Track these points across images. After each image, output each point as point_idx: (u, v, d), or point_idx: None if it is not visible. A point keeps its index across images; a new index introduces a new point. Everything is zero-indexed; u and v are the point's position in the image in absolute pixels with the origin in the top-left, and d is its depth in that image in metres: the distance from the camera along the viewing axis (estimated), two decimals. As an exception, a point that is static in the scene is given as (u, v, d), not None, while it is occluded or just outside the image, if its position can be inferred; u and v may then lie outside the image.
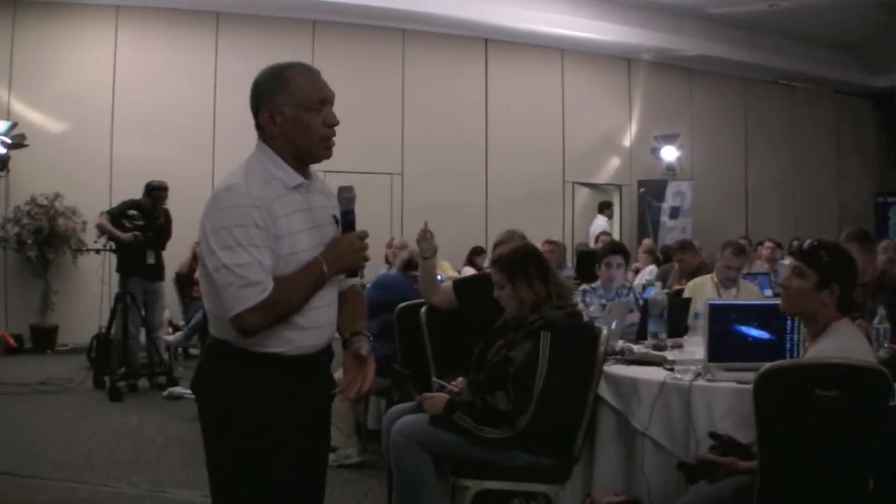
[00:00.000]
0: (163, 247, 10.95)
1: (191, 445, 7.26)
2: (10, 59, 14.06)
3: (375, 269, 10.50)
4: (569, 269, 10.75)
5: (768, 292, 9.75)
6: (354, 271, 3.31)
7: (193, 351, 12.32)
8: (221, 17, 15.34)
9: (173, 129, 14.68)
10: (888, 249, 7.96)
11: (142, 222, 10.53)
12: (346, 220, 3.21)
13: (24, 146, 13.34)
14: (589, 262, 9.03)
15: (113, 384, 10.06)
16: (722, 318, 5.04)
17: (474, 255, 14.02)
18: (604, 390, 4.96)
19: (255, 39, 14.99)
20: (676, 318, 6.62)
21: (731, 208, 20.19)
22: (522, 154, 17.45)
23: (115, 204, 11.06)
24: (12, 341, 13.47)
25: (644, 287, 9.12)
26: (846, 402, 3.50)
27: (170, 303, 12.20)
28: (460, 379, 5.21)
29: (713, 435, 4.10)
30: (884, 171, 23.04)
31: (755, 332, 4.99)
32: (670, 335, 6.22)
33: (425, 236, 6.32)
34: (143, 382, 10.79)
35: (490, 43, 17.55)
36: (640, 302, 7.28)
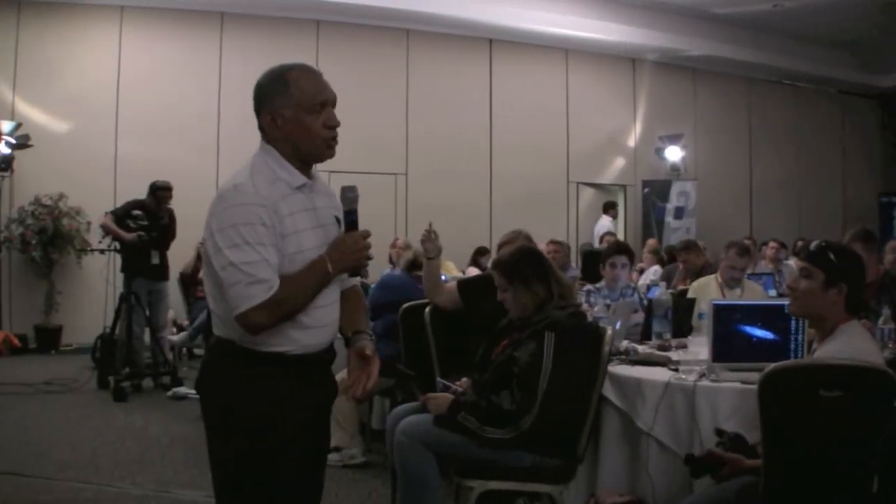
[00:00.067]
0: (167, 247, 10.94)
1: (195, 445, 7.26)
2: (14, 59, 14.08)
3: (379, 269, 10.50)
4: (573, 270, 10.73)
5: (772, 292, 9.76)
6: (357, 270, 3.30)
7: (198, 351, 12.35)
8: (226, 18, 15.35)
9: (177, 129, 14.69)
10: (895, 250, 7.95)
11: (146, 222, 10.52)
12: (349, 219, 3.22)
13: (28, 146, 13.37)
14: (593, 263, 9.02)
15: (117, 384, 10.06)
16: (726, 318, 5.03)
17: (478, 256, 14.03)
18: (608, 390, 4.96)
19: (260, 39, 15.01)
20: (681, 318, 6.61)
21: (736, 208, 20.18)
22: (526, 154, 17.45)
23: (119, 204, 11.08)
24: (17, 341, 13.48)
25: (648, 287, 9.11)
26: (850, 403, 3.50)
27: (174, 303, 12.22)
28: (464, 379, 5.21)
29: (718, 431, 4.09)
30: (888, 171, 23.02)
31: (759, 333, 4.98)
32: (675, 335, 6.22)
33: (429, 237, 6.33)
34: (147, 382, 10.79)
35: (494, 43, 17.55)
36: (645, 302, 7.27)
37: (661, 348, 5.82)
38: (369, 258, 3.24)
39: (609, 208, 18.05)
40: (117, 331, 10.59)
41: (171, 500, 6.40)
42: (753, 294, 7.88)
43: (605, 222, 17.57)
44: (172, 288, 11.79)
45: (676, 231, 17.96)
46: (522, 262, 5.03)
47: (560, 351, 4.56)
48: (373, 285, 8.16)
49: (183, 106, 14.82)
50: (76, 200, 13.82)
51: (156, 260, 10.72)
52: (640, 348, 5.83)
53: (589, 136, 18.55)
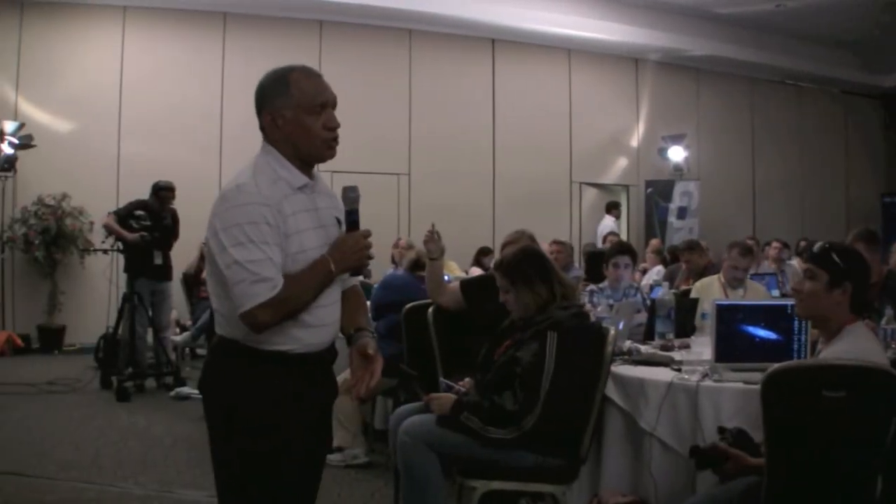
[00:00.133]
0: (170, 247, 10.95)
1: (198, 446, 7.27)
2: (17, 60, 14.09)
3: (382, 269, 10.50)
4: (576, 270, 10.72)
5: (775, 293, 9.75)
6: (359, 270, 3.32)
7: (201, 351, 12.36)
8: (228, 18, 15.36)
9: (180, 129, 14.71)
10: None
11: (149, 222, 10.52)
12: (351, 219, 3.24)
13: (31, 146, 13.40)
14: (597, 263, 9.03)
15: (120, 384, 10.06)
16: (729, 318, 5.03)
17: (481, 256, 14.02)
18: (611, 391, 4.96)
19: (262, 40, 15.02)
20: (684, 318, 6.61)
21: (739, 208, 20.17)
22: (529, 154, 17.47)
23: (122, 204, 11.07)
24: (20, 341, 13.50)
25: (651, 287, 9.11)
26: (854, 403, 3.50)
27: (177, 303, 12.22)
28: (467, 379, 5.21)
29: (721, 429, 4.09)
30: (891, 171, 23.02)
31: (762, 333, 4.98)
32: (677, 335, 6.22)
33: (432, 237, 6.33)
34: (150, 383, 10.80)
35: (497, 43, 17.56)
36: (648, 302, 7.27)
37: (664, 348, 5.83)
38: (370, 258, 3.27)
39: (612, 208, 18.06)
40: (120, 331, 10.60)
41: (174, 500, 6.40)
42: (756, 294, 7.88)
43: (608, 222, 17.58)
44: (175, 288, 11.79)
45: (679, 231, 17.96)
46: (525, 262, 5.02)
47: (563, 351, 4.56)
48: (376, 285, 8.17)
49: (186, 106, 14.84)
50: (79, 200, 13.84)
51: (159, 260, 10.73)
52: (643, 348, 5.83)
53: (592, 136, 18.56)
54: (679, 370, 4.94)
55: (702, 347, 5.53)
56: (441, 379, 5.56)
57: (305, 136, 3.16)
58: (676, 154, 18.68)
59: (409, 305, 6.77)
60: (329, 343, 3.31)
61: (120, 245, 10.60)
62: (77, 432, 8.41)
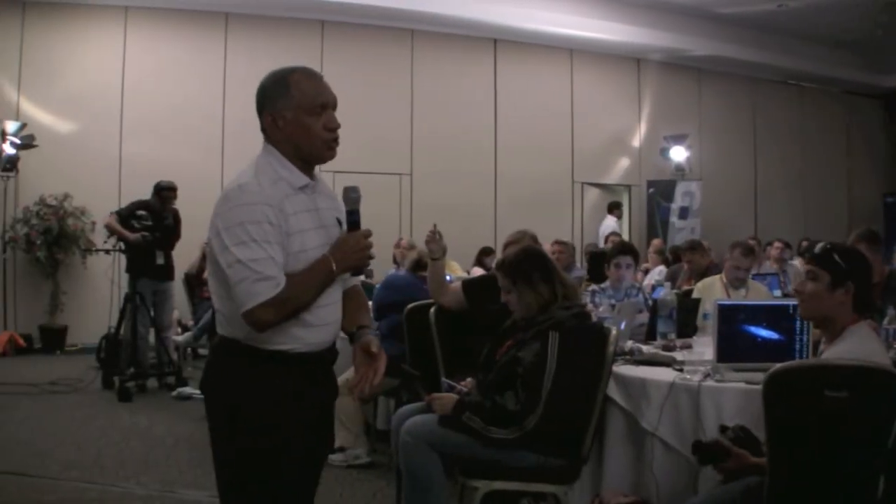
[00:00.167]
0: (171, 247, 10.96)
1: (200, 445, 7.27)
2: (19, 60, 14.10)
3: (383, 269, 10.50)
4: (578, 270, 10.73)
5: (777, 293, 9.76)
6: (360, 270, 3.35)
7: (202, 351, 12.36)
8: (230, 18, 15.36)
9: (182, 129, 14.71)
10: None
11: (150, 223, 10.53)
12: (352, 219, 3.26)
13: (33, 146, 13.41)
14: (599, 263, 9.03)
15: (122, 384, 10.07)
16: (731, 318, 5.03)
17: (483, 256, 14.01)
18: (613, 391, 4.95)
19: (264, 40, 15.04)
20: (685, 318, 6.61)
21: (740, 208, 20.17)
22: (531, 154, 17.47)
23: (124, 204, 11.08)
24: (21, 341, 13.51)
25: (653, 287, 9.11)
26: (855, 403, 3.49)
27: (179, 303, 12.23)
28: (469, 379, 5.21)
29: (722, 427, 4.09)
30: (893, 171, 23.00)
31: (764, 333, 4.98)
32: (679, 335, 6.22)
33: (434, 238, 6.33)
34: (152, 383, 10.81)
35: (499, 43, 17.56)
36: (650, 302, 7.28)
37: (666, 348, 5.82)
38: (371, 257, 3.29)
39: (614, 208, 18.07)
40: (122, 331, 10.60)
41: (176, 500, 6.40)
42: (758, 294, 7.88)
43: (609, 222, 17.58)
44: (177, 288, 11.79)
45: (681, 231, 17.95)
46: (526, 262, 5.02)
47: (564, 351, 4.57)
48: (377, 285, 8.17)
49: (187, 106, 14.84)
50: (81, 200, 13.84)
51: (160, 260, 10.74)
52: (645, 348, 5.83)
53: (593, 137, 18.55)
54: (681, 370, 4.94)
55: (703, 347, 5.54)
56: (443, 379, 5.56)
57: (306, 136, 3.18)
58: (678, 154, 18.68)
59: (410, 305, 6.77)
60: (330, 343, 3.33)
61: (122, 245, 10.60)
62: (79, 432, 8.41)
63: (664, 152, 18.81)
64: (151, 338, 10.84)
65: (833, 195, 21.75)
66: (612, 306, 6.72)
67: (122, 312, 10.59)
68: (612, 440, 5.03)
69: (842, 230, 17.97)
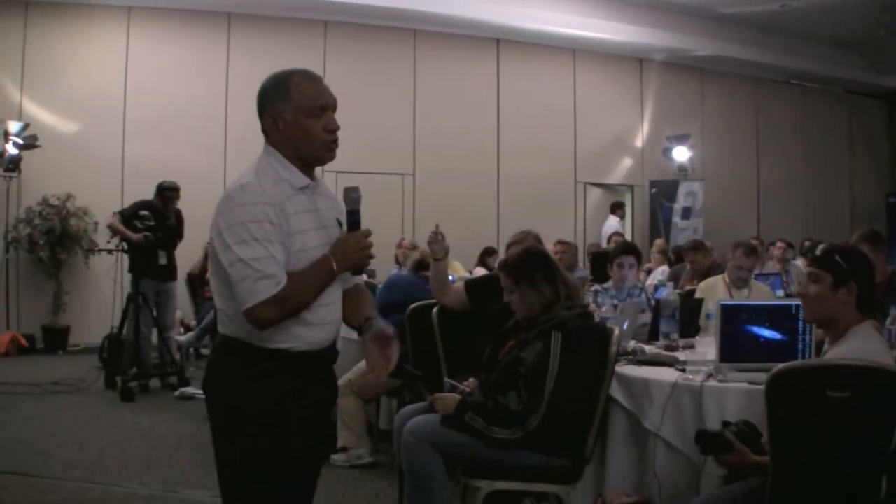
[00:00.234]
0: (174, 247, 10.96)
1: (202, 445, 7.27)
2: (21, 60, 14.11)
3: (386, 269, 10.50)
4: (581, 270, 10.72)
5: (780, 293, 9.75)
6: (360, 269, 3.38)
7: (205, 351, 12.33)
8: (233, 18, 15.37)
9: (185, 129, 14.72)
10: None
11: (153, 223, 10.54)
12: (352, 219, 3.29)
13: (35, 147, 13.41)
14: (601, 264, 9.02)
15: (124, 384, 10.08)
16: (733, 318, 5.03)
17: (486, 256, 14.01)
18: (615, 391, 4.95)
19: (267, 40, 15.05)
20: (688, 318, 6.61)
21: (743, 208, 20.16)
22: (534, 154, 17.47)
23: (126, 204, 11.08)
24: (24, 341, 13.52)
25: (656, 287, 9.10)
26: (858, 404, 3.49)
27: (182, 303, 12.23)
28: (472, 379, 5.21)
29: (725, 423, 4.09)
30: (896, 171, 23.03)
31: (767, 333, 4.98)
32: (682, 336, 6.21)
33: (436, 238, 6.32)
34: (154, 383, 10.82)
35: (501, 43, 17.56)
36: (652, 302, 7.27)
37: (669, 348, 5.82)
38: (371, 257, 3.32)
39: (616, 208, 18.04)
40: (125, 331, 10.61)
41: (179, 500, 6.41)
42: (761, 294, 7.88)
43: (612, 222, 17.56)
44: (180, 288, 11.80)
45: (684, 231, 17.95)
46: (529, 262, 5.02)
47: (567, 351, 4.56)
48: (380, 286, 8.17)
49: (190, 106, 14.85)
50: (83, 201, 13.85)
51: (163, 260, 10.74)
52: (648, 348, 5.83)
53: (596, 136, 18.55)
54: (683, 370, 4.93)
55: (706, 347, 5.54)
56: (445, 379, 5.56)
57: (306, 138, 3.21)
58: (681, 154, 18.67)
59: (413, 306, 6.77)
60: (330, 342, 3.36)
61: (125, 245, 10.61)
62: (81, 432, 8.42)
63: (667, 152, 18.80)
64: (154, 338, 10.85)
65: (836, 195, 21.73)
66: (615, 306, 6.72)
67: (125, 312, 10.60)
68: (614, 440, 5.03)
69: (844, 230, 17.97)
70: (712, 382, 4.65)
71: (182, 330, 12.63)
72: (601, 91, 18.71)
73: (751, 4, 17.30)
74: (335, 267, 3.18)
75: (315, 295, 3.17)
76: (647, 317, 6.83)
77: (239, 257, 3.03)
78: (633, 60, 19.10)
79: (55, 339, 13.89)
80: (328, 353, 3.38)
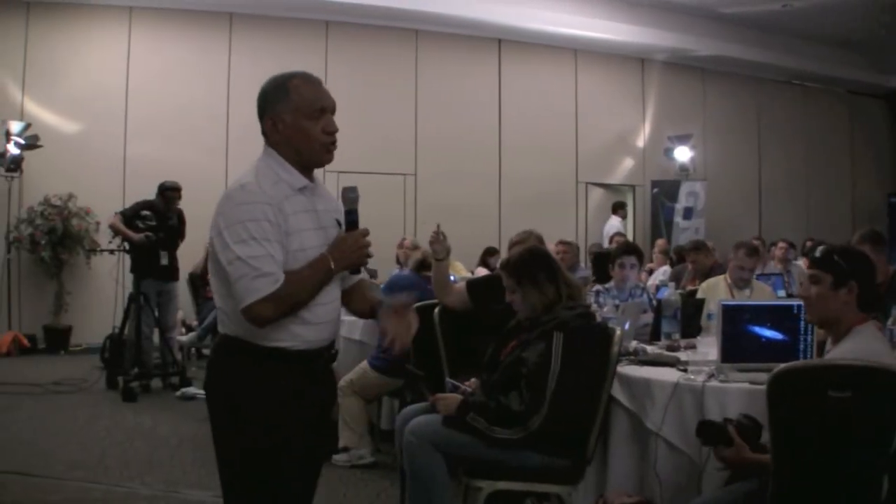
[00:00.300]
0: (176, 247, 10.96)
1: (204, 445, 7.24)
2: (23, 60, 14.12)
3: (388, 269, 10.50)
4: (583, 270, 10.71)
5: (782, 293, 9.75)
6: (357, 268, 3.42)
7: (207, 351, 12.34)
8: (235, 18, 15.38)
9: (186, 129, 14.72)
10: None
11: (154, 223, 10.55)
12: (350, 219, 3.33)
13: (37, 147, 13.41)
14: (603, 264, 9.02)
15: (126, 384, 10.08)
16: (735, 318, 5.03)
17: (487, 256, 14.02)
18: (617, 391, 4.95)
19: (269, 40, 15.06)
20: (690, 318, 6.60)
21: (745, 209, 20.14)
22: (535, 154, 17.47)
23: (128, 204, 11.09)
24: (26, 341, 13.53)
25: (657, 287, 9.10)
26: (859, 404, 3.49)
27: (183, 303, 12.25)
28: (473, 379, 5.21)
29: (726, 420, 4.08)
30: (898, 171, 23.01)
31: (768, 333, 4.98)
32: (683, 336, 6.21)
33: (438, 238, 6.31)
34: (156, 383, 10.83)
35: (503, 43, 17.56)
36: (654, 302, 7.27)
37: (670, 349, 5.82)
38: (369, 256, 3.35)
39: (618, 209, 18.04)
40: (126, 331, 10.61)
41: (180, 500, 6.41)
42: (762, 294, 7.89)
43: (614, 223, 17.55)
44: (182, 288, 11.82)
45: (685, 231, 17.94)
46: (531, 262, 5.02)
47: (569, 351, 4.56)
48: (382, 286, 8.16)
49: (192, 106, 14.86)
50: (85, 201, 13.86)
51: (165, 261, 10.75)
52: (649, 349, 5.83)
53: (598, 137, 18.55)
54: (685, 370, 4.93)
55: (708, 348, 5.52)
56: (447, 379, 5.55)
57: (305, 139, 3.25)
58: (682, 154, 18.66)
59: (415, 306, 6.75)
60: (328, 340, 3.40)
61: (126, 245, 10.61)
62: (83, 432, 8.42)
63: (668, 152, 18.80)
64: (156, 338, 10.85)
65: (837, 195, 21.71)
66: (617, 306, 6.71)
67: (127, 312, 10.61)
68: (616, 440, 5.02)
69: (846, 230, 17.94)
70: (714, 382, 4.65)
71: (184, 330, 12.65)
72: (603, 91, 18.70)
73: (752, 4, 17.29)
74: (333, 266, 3.22)
75: (313, 293, 3.21)
76: (648, 317, 6.84)
77: (237, 255, 3.07)
78: (635, 60, 19.10)
79: (57, 340, 13.90)
80: (327, 353, 3.41)
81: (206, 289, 11.97)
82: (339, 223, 3.36)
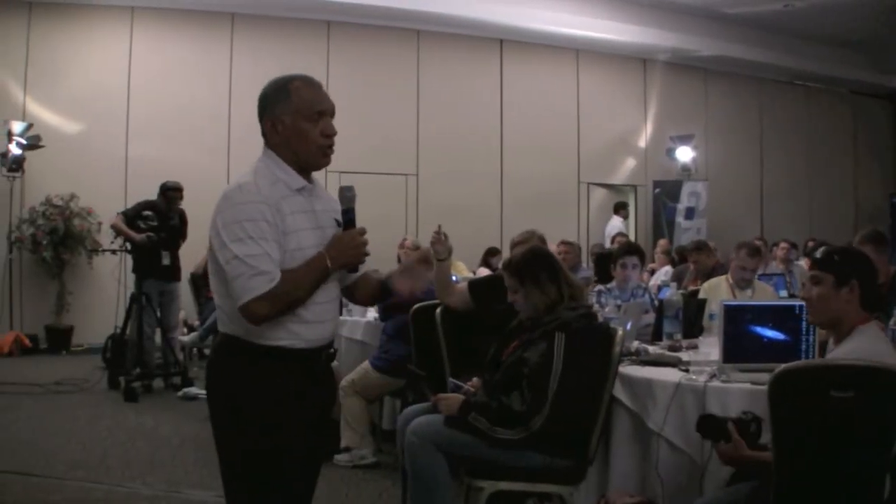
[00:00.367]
0: (177, 247, 10.96)
1: (205, 446, 7.25)
2: (25, 60, 14.13)
3: (388, 269, 10.50)
4: (584, 270, 10.70)
5: (783, 293, 9.75)
6: (355, 266, 3.44)
7: (208, 351, 12.35)
8: (236, 18, 15.38)
9: (188, 129, 14.73)
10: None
11: (156, 223, 10.55)
12: (347, 217, 3.37)
13: (39, 147, 13.43)
14: (605, 264, 9.02)
15: (128, 384, 10.08)
16: (737, 318, 5.02)
17: (489, 256, 14.03)
18: (619, 391, 4.94)
19: (270, 40, 15.08)
20: (691, 318, 6.59)
21: (747, 209, 20.15)
22: (537, 155, 17.48)
23: (130, 205, 11.10)
24: (27, 342, 13.53)
25: (659, 288, 9.10)
26: (861, 403, 3.48)
27: (185, 303, 12.25)
28: (475, 379, 5.20)
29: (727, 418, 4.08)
30: (900, 171, 23.01)
31: (770, 333, 4.98)
32: (685, 336, 6.20)
33: (439, 238, 6.31)
34: (158, 383, 10.83)
35: (505, 43, 17.57)
36: (656, 303, 7.26)
37: (672, 349, 5.81)
38: (367, 254, 3.38)
39: (620, 209, 18.06)
40: (128, 331, 10.62)
41: (182, 500, 6.41)
42: (764, 295, 7.88)
43: (616, 223, 17.57)
44: (184, 288, 11.82)
45: (687, 231, 17.95)
46: (533, 262, 5.02)
47: (570, 352, 4.56)
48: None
49: (193, 107, 14.86)
50: (87, 201, 13.87)
51: (167, 261, 10.74)
52: (651, 349, 5.82)
53: (600, 137, 18.55)
54: (687, 371, 4.92)
55: (709, 348, 5.52)
56: (450, 378, 5.55)
57: (303, 141, 3.30)
58: (684, 154, 18.68)
59: (416, 306, 6.75)
60: (327, 339, 3.43)
61: (128, 246, 10.61)
62: (84, 432, 8.42)
63: (670, 153, 18.82)
64: (157, 338, 10.84)
65: (839, 195, 21.71)
66: (618, 307, 6.71)
67: (128, 313, 10.61)
68: (618, 441, 5.02)
69: (848, 230, 17.94)
70: (716, 383, 4.64)
71: (185, 330, 12.65)
72: (604, 91, 18.71)
73: (754, 5, 17.30)
74: (329, 264, 3.25)
75: (310, 291, 3.24)
76: (650, 317, 6.83)
77: (234, 255, 3.11)
78: (637, 61, 19.11)
79: (58, 340, 13.91)
80: (326, 352, 3.44)
81: (208, 289, 11.93)
82: (338, 223, 3.39)
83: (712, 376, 4.73)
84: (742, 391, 4.52)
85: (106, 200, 13.22)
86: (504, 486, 4.67)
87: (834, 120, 21.83)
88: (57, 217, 13.67)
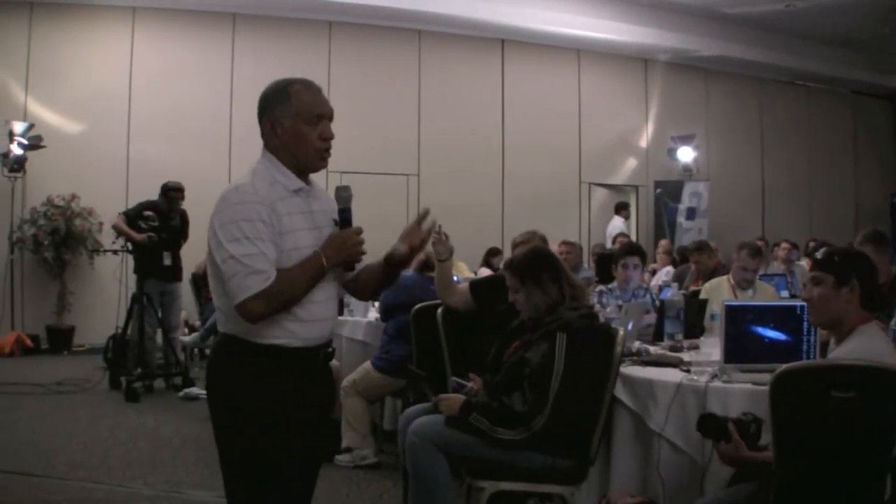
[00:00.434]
0: (178, 248, 10.95)
1: (207, 446, 7.23)
2: (26, 61, 14.13)
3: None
4: (586, 271, 10.70)
5: (785, 293, 9.75)
6: (352, 265, 3.46)
7: (209, 352, 12.35)
8: (238, 19, 15.38)
9: (189, 130, 14.73)
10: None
11: (157, 223, 10.54)
12: (343, 217, 3.41)
13: (40, 147, 13.44)
14: (606, 264, 9.02)
15: (129, 385, 10.08)
16: (738, 319, 5.02)
17: (490, 256, 14.03)
18: (620, 391, 4.94)
19: (272, 41, 15.08)
20: (693, 319, 6.60)
21: (748, 209, 20.13)
22: (538, 155, 17.47)
23: (131, 205, 11.10)
24: (29, 342, 13.54)
25: (661, 288, 9.10)
26: (862, 404, 3.48)
27: (186, 304, 12.26)
28: (477, 378, 5.20)
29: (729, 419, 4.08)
30: (900, 171, 22.99)
31: (771, 334, 4.98)
32: (686, 336, 6.20)
33: (440, 239, 6.31)
34: (159, 383, 10.83)
35: (506, 43, 17.56)
36: (657, 303, 7.26)
37: (673, 349, 5.81)
38: (363, 253, 3.42)
39: (621, 209, 18.04)
40: (129, 331, 10.61)
41: (183, 500, 6.41)
42: (765, 295, 7.88)
43: (617, 223, 17.56)
44: (185, 289, 11.82)
45: (688, 232, 17.94)
46: (535, 262, 5.02)
47: (572, 352, 4.56)
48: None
49: (195, 107, 14.87)
50: (88, 201, 13.87)
51: (168, 261, 10.74)
52: (652, 349, 5.82)
53: (601, 137, 18.55)
54: (688, 371, 4.92)
55: (711, 348, 5.53)
56: (452, 378, 5.55)
57: (301, 144, 3.33)
58: (685, 154, 18.69)
59: (418, 306, 6.77)
60: (325, 339, 3.46)
61: (129, 246, 10.61)
62: (86, 433, 8.42)
63: (671, 153, 18.82)
64: (159, 338, 10.84)
65: (840, 196, 21.69)
66: (620, 307, 6.71)
67: (130, 313, 10.60)
68: (619, 441, 5.02)
69: (849, 231, 17.92)
70: (717, 383, 4.64)
71: (186, 330, 12.65)
72: (606, 91, 18.71)
73: (755, 5, 17.29)
74: (325, 262, 3.28)
75: (305, 290, 3.27)
76: (651, 317, 6.83)
77: (231, 254, 3.15)
78: (638, 61, 19.10)
79: (60, 340, 13.92)
80: (324, 351, 3.46)
81: (209, 289, 11.99)
82: (335, 223, 3.42)
83: (713, 377, 4.73)
84: (743, 391, 4.52)
85: (107, 201, 13.23)
86: (505, 486, 4.68)
87: (834, 120, 21.81)
88: (58, 217, 13.68)
